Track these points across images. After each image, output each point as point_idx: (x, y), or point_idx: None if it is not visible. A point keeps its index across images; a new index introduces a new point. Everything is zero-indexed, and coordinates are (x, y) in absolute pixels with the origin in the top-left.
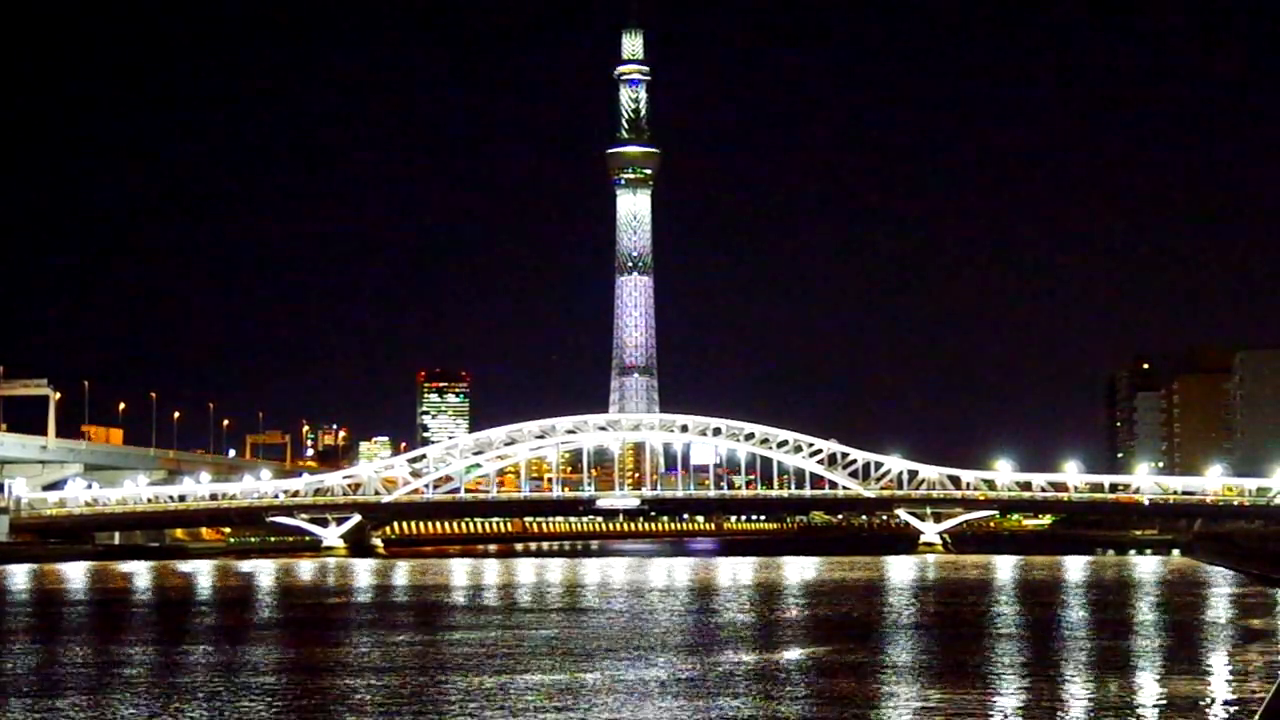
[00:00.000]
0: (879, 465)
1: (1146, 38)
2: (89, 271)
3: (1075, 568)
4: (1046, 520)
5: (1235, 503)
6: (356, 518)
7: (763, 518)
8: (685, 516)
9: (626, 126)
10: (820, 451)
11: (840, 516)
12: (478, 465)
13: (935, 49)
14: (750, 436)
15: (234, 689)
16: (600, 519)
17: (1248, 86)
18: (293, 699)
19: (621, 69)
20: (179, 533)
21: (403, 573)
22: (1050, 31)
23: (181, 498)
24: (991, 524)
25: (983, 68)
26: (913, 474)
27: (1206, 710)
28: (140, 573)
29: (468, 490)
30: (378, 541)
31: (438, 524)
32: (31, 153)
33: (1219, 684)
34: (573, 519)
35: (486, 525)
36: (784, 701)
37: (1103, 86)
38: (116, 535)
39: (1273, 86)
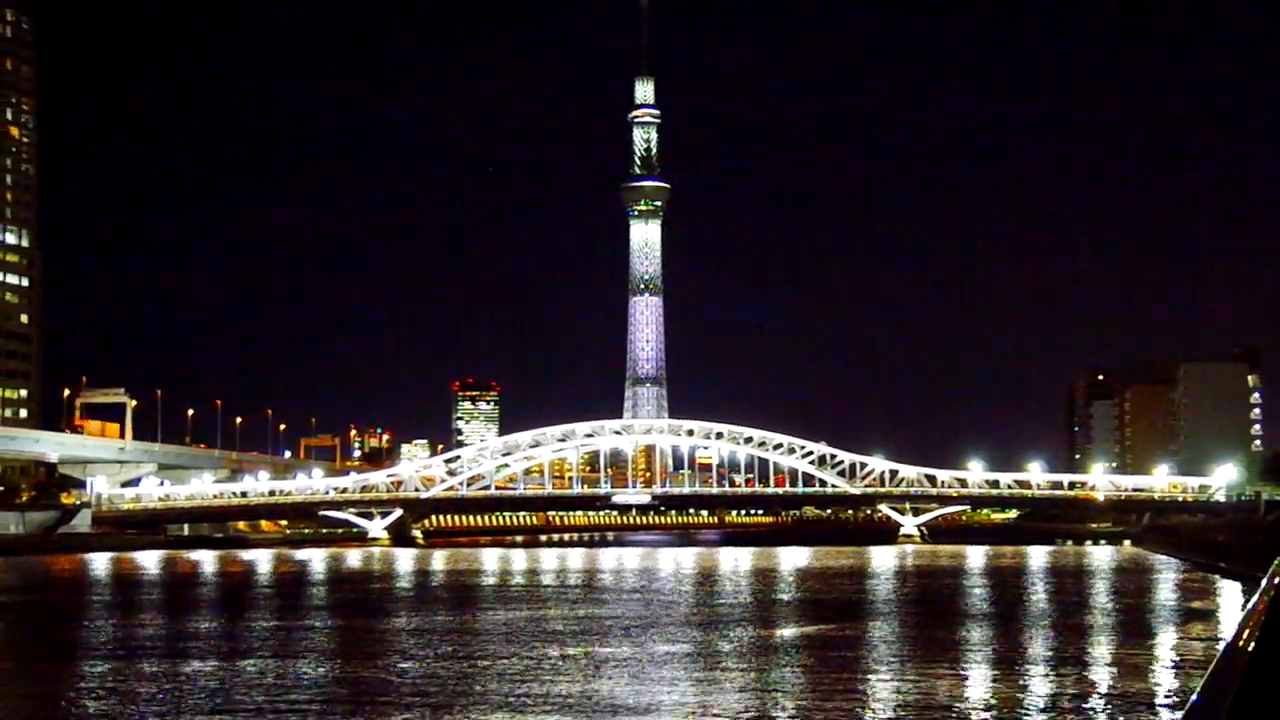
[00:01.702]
0: (864, 465)
1: (1104, 57)
2: (162, 294)
3: (1038, 556)
4: (1012, 514)
5: (1179, 498)
6: (398, 512)
7: (760, 512)
8: (691, 511)
9: (639, 163)
10: (811, 453)
11: (829, 511)
12: (506, 465)
13: (917, 88)
14: (749, 440)
15: (293, 658)
16: (616, 513)
17: (1199, 114)
18: (344, 668)
19: (635, 113)
20: (241, 525)
21: (440, 560)
22: (1015, 64)
23: (243, 494)
24: (963, 518)
25: (963, 104)
26: (894, 473)
27: (1152, 681)
28: (207, 560)
29: (497, 487)
30: (417, 533)
31: (471, 517)
32: (104, 183)
33: (1164, 658)
34: (591, 513)
35: (514, 519)
36: (780, 670)
37: (1064, 114)
38: (185, 527)
39: (1221, 113)
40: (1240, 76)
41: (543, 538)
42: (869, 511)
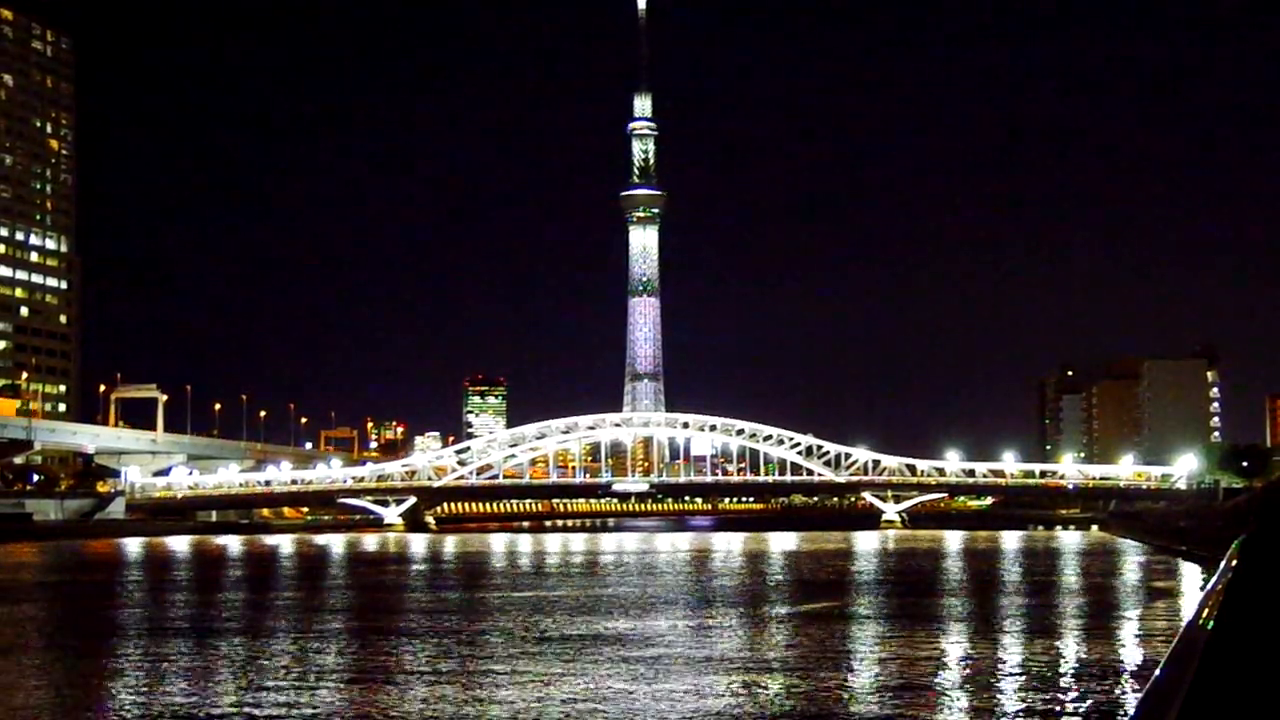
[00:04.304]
0: (848, 456)
1: (1075, 60)
2: (192, 296)
3: (1011, 540)
4: (988, 501)
5: (1143, 486)
6: (412, 499)
7: (751, 499)
8: (686, 498)
9: (637, 173)
10: (799, 444)
11: (816, 498)
12: (513, 455)
13: (900, 101)
14: (741, 432)
15: (316, 629)
16: (616, 500)
17: (1164, 123)
18: (361, 639)
19: (633, 125)
20: (265, 511)
21: (451, 544)
22: (988, 68)
23: (267, 482)
24: (942, 504)
25: (942, 108)
26: (876, 463)
27: (1117, 656)
28: (233, 544)
29: (505, 476)
30: (430, 519)
31: (480, 504)
32: (137, 192)
33: (1128, 633)
34: (593, 500)
35: (521, 505)
36: (770, 643)
37: (1037, 118)
38: (213, 513)
39: (1183, 120)
40: (1204, 79)
41: (547, 523)
42: (853, 499)
